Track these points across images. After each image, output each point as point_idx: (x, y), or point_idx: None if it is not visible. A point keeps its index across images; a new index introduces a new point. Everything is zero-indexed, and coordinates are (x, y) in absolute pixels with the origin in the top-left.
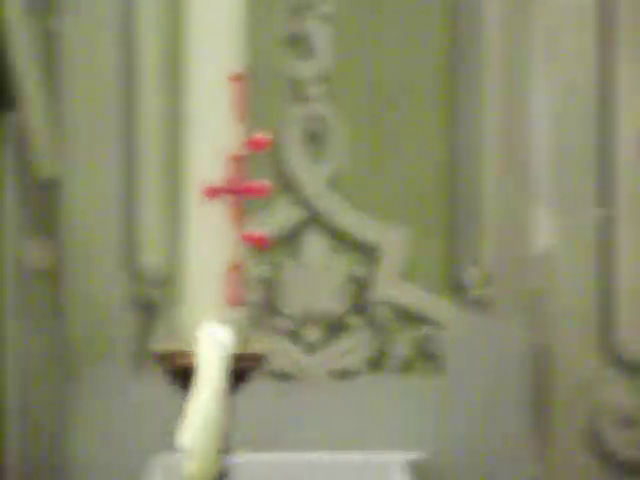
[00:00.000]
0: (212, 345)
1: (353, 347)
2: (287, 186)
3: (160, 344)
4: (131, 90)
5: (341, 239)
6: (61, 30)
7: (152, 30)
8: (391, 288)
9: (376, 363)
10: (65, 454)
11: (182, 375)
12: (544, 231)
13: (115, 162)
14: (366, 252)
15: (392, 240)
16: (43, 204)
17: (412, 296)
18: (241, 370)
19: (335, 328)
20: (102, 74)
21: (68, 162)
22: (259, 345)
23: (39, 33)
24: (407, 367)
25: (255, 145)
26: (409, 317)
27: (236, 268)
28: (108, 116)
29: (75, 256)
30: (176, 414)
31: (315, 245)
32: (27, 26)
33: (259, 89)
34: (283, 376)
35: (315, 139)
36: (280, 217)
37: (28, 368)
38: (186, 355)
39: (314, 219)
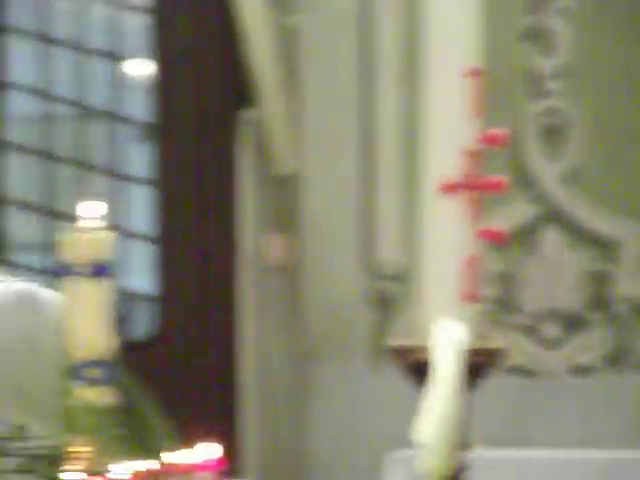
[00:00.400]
0: (448, 341)
1: (592, 343)
2: (524, 181)
3: (397, 339)
4: (369, 87)
5: (579, 234)
6: (300, 27)
7: (390, 27)
8: (631, 283)
9: (615, 360)
10: (304, 446)
11: (418, 370)
12: None
13: (353, 159)
14: (605, 247)
15: (632, 235)
16: (282, 201)
17: None
18: (477, 366)
19: (573, 324)
20: (340, 71)
21: (307, 159)
22: (495, 341)
23: (277, 30)
24: None
25: (492, 140)
26: None
27: (472, 264)
28: (346, 113)
29: (313, 252)
30: (413, 409)
31: (553, 240)
32: (265, 23)
33: (497, 84)
34: (522, 372)
35: (553, 134)
36: (517, 212)
37: (267, 362)
38: (423, 351)
39: (552, 214)
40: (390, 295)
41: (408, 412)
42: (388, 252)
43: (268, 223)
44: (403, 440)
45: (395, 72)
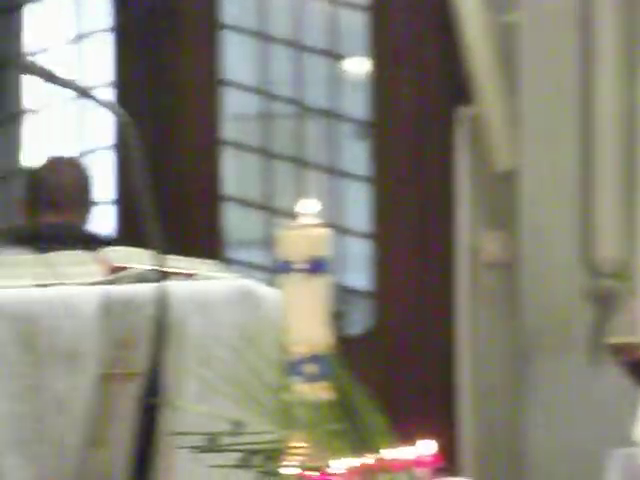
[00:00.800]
0: None
1: None
2: None
3: (617, 337)
4: (588, 85)
5: None
6: (519, 25)
7: (610, 25)
8: None
9: None
10: (520, 445)
11: (638, 368)
12: None
13: (571, 157)
14: None
15: None
16: (499, 197)
17: None
18: None
19: None
20: (559, 69)
21: (525, 156)
22: None
23: (496, 28)
24: None
25: None
26: None
27: None
28: (565, 111)
29: (531, 248)
30: (633, 408)
31: None
32: (484, 21)
33: None
34: None
35: None
36: None
37: (484, 359)
38: None
39: None
40: (610, 292)
41: (628, 410)
42: (607, 249)
43: (486, 220)
44: (623, 438)
45: (615, 70)
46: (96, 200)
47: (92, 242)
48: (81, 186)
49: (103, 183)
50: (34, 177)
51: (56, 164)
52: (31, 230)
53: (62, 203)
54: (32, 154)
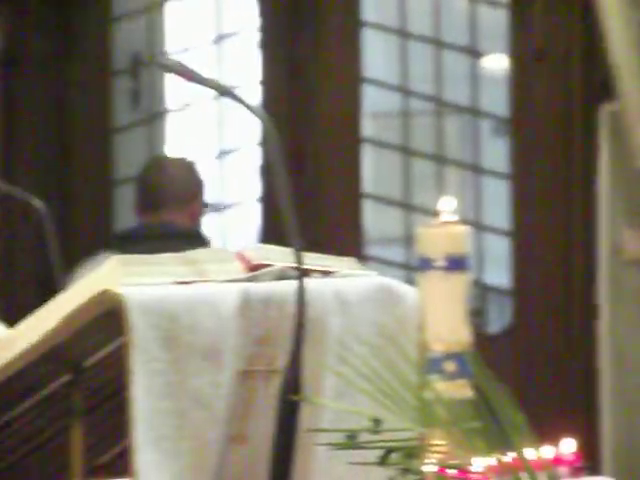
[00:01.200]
0: None
1: None
2: None
3: None
4: None
5: None
6: None
7: None
8: None
9: None
10: None
11: None
12: None
13: None
14: None
15: None
16: None
17: None
18: None
19: None
20: None
21: None
22: None
23: (637, 24)
24: None
25: None
26: None
27: None
28: None
29: None
30: None
31: None
32: (625, 17)
33: None
34: None
35: None
36: None
37: (624, 354)
38: None
39: None
40: None
41: None
42: None
43: (628, 218)
44: None
45: None
46: (207, 199)
47: (190, 240)
48: (182, 185)
49: (248, 182)
50: (140, 179)
51: (158, 165)
52: (126, 231)
53: (160, 203)
54: (175, 153)
